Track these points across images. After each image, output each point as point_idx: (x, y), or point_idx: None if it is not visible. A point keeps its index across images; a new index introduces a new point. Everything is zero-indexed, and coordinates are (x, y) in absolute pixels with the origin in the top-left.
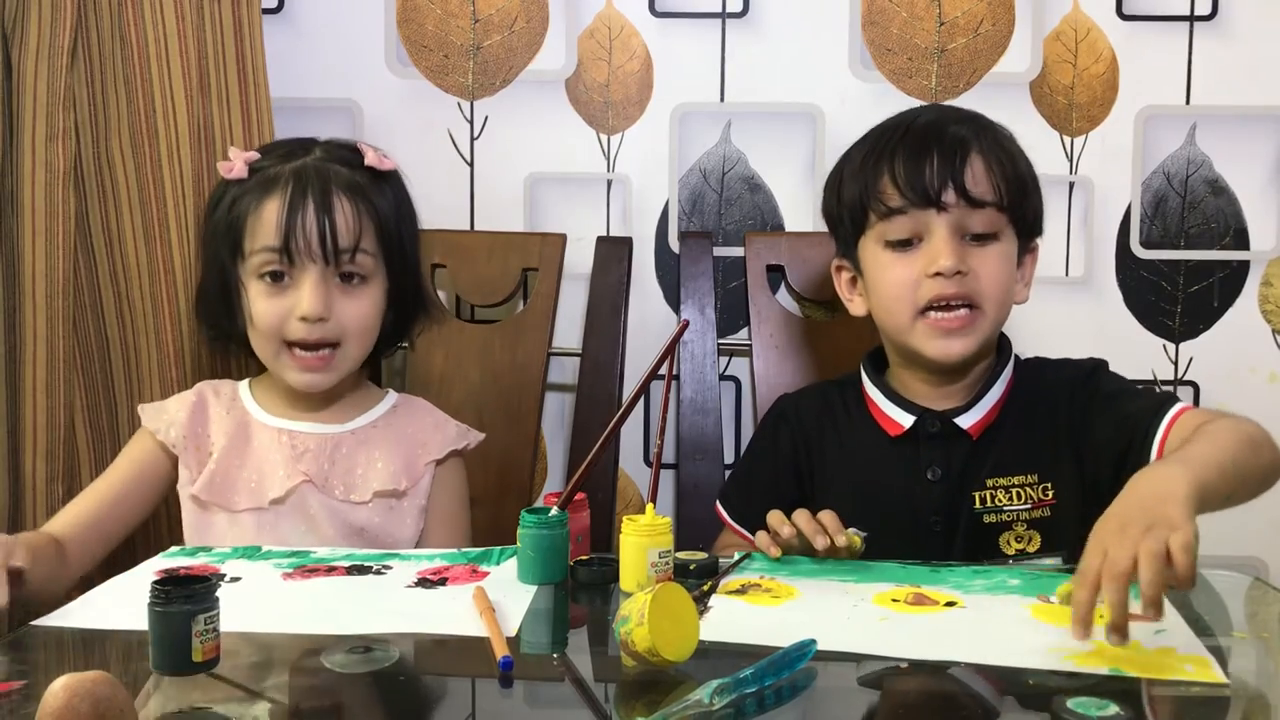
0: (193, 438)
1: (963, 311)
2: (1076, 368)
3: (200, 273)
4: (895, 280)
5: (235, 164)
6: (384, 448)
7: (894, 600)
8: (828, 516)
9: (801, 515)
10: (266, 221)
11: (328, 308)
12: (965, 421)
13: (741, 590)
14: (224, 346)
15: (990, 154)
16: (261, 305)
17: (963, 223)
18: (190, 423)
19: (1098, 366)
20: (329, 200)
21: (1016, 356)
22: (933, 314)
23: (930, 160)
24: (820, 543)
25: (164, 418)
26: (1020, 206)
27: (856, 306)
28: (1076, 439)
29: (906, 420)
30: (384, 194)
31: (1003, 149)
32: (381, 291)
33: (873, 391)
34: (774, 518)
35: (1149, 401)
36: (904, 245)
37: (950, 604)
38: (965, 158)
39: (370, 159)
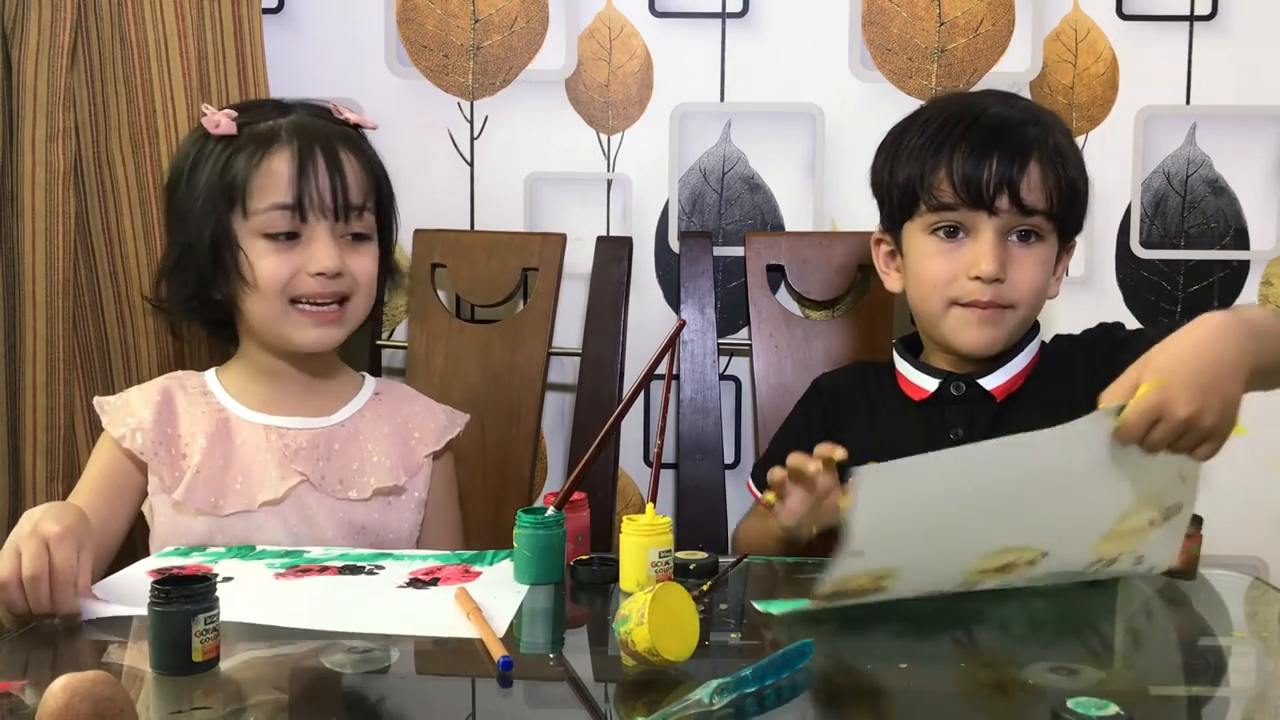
0: (163, 441)
1: (994, 309)
2: (1095, 330)
3: (173, 237)
4: (934, 271)
5: (221, 120)
6: (376, 439)
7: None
8: (823, 447)
9: (792, 454)
10: (277, 176)
11: (342, 262)
12: (990, 383)
13: None
14: (187, 322)
15: (1050, 161)
16: (268, 261)
17: (1010, 225)
18: (157, 425)
19: (1115, 324)
20: (336, 156)
21: (1042, 341)
22: (964, 305)
23: (990, 163)
24: (812, 467)
25: (128, 421)
26: (1068, 216)
27: (892, 281)
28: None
29: (930, 384)
30: (371, 151)
31: (1061, 155)
32: (378, 249)
33: (901, 363)
34: (771, 473)
35: (1166, 328)
36: (950, 234)
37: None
38: (1025, 165)
39: (352, 118)
